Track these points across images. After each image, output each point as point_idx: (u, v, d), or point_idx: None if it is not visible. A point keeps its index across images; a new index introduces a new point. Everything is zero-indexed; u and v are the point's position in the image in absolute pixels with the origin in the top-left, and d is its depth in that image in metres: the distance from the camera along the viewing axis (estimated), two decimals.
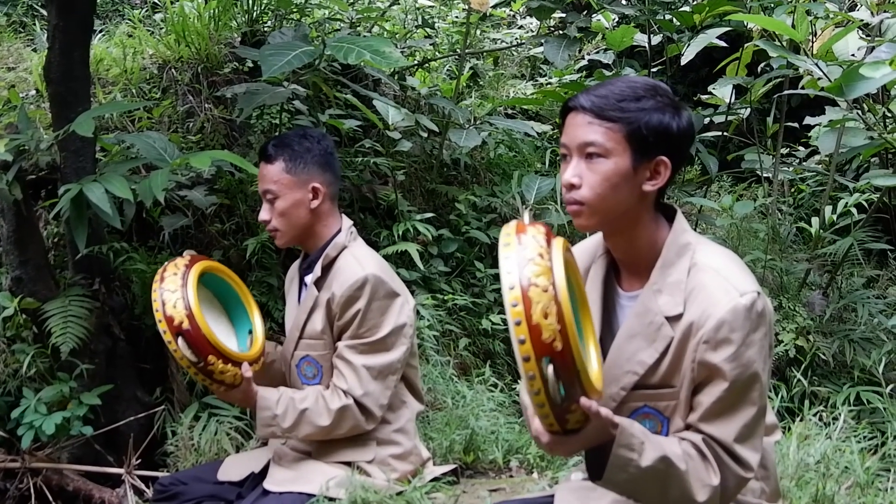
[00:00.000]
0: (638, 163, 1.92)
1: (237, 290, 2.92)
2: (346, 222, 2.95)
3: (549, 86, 6.97)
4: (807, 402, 3.82)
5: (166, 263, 2.72)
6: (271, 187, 2.83)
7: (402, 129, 5.00)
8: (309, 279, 2.91)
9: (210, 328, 2.62)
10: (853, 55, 5.04)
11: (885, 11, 5.21)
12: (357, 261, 2.85)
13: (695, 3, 5.04)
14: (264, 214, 2.87)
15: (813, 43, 4.84)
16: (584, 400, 1.73)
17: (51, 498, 3.72)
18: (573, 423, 1.78)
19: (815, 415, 3.55)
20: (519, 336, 1.66)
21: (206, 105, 4.66)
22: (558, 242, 1.78)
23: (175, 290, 2.61)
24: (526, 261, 1.69)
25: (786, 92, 5.22)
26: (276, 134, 4.46)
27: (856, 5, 5.80)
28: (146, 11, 6.26)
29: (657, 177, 1.95)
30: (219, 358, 2.64)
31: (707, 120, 5.46)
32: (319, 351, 2.88)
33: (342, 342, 2.83)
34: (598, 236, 2.15)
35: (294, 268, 3.08)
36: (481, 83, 6.96)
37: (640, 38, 5.26)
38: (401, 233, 4.58)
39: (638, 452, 1.84)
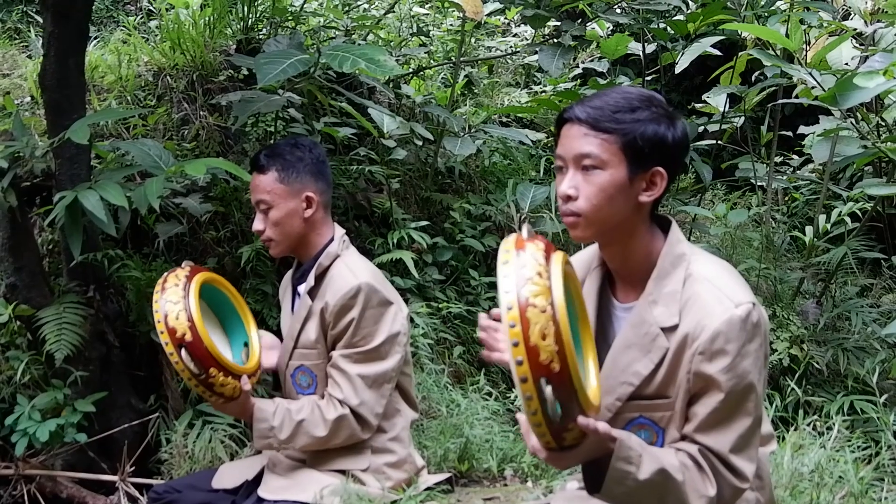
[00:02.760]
0: (634, 174, 1.93)
1: (234, 302, 2.90)
2: (339, 231, 2.94)
3: (543, 94, 6.97)
4: (801, 412, 3.81)
5: (166, 274, 2.69)
6: (265, 197, 2.83)
7: (396, 137, 5.01)
8: (302, 289, 2.90)
9: (212, 340, 2.61)
10: (847, 64, 5.06)
11: (878, 21, 5.23)
12: (350, 270, 2.84)
13: (689, 11, 5.05)
14: (258, 225, 2.85)
15: (807, 52, 4.86)
16: (581, 419, 1.73)
17: None
18: (570, 440, 1.77)
19: (809, 424, 3.55)
20: (516, 357, 1.64)
21: (201, 113, 4.67)
22: (558, 257, 1.77)
23: (177, 302, 2.59)
24: (524, 280, 1.68)
25: (780, 101, 5.23)
26: (271, 142, 4.46)
27: (849, 15, 5.82)
28: (141, 18, 6.26)
29: (653, 187, 1.96)
30: (220, 370, 2.62)
31: (701, 128, 5.47)
32: (314, 360, 2.87)
33: (336, 351, 2.82)
34: (594, 247, 2.15)
35: (287, 277, 3.07)
36: (476, 91, 6.98)
37: (635, 47, 5.27)
38: (395, 241, 4.58)
39: (636, 465, 1.83)
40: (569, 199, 1.95)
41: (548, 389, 1.65)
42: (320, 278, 2.86)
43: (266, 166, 2.84)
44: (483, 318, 2.03)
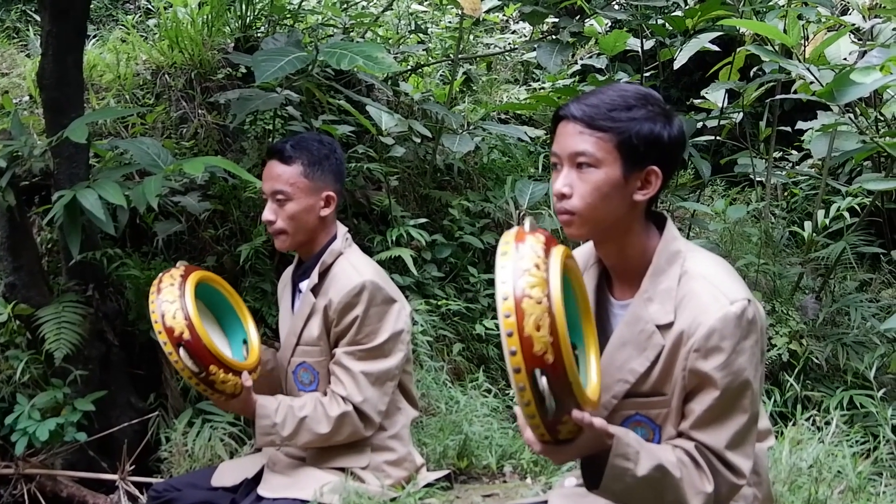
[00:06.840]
0: (629, 172, 1.92)
1: (230, 299, 2.89)
2: (342, 229, 2.93)
3: (542, 91, 6.97)
4: (799, 407, 3.82)
5: (161, 274, 2.69)
6: (285, 188, 2.79)
7: (395, 134, 5.00)
8: (305, 285, 2.89)
9: (210, 338, 2.61)
10: (845, 59, 5.06)
11: (876, 16, 5.23)
12: (354, 267, 2.84)
13: (687, 7, 5.05)
14: (270, 215, 2.82)
15: (805, 47, 4.86)
16: (576, 412, 1.73)
17: None
18: (565, 434, 1.77)
19: (807, 419, 3.56)
20: (510, 347, 1.65)
21: (200, 111, 4.67)
22: (558, 251, 1.76)
23: (173, 301, 2.58)
24: (521, 271, 1.68)
25: (778, 96, 5.23)
26: (271, 140, 4.47)
27: (847, 10, 5.83)
28: (139, 17, 6.26)
29: (648, 186, 1.95)
30: (220, 367, 2.61)
31: (700, 124, 5.47)
32: (316, 357, 2.87)
33: (340, 349, 2.82)
34: (590, 245, 2.15)
35: (287, 274, 3.06)
36: (474, 88, 6.97)
37: (633, 43, 5.27)
38: (394, 238, 4.58)
39: (634, 462, 1.84)
40: (563, 196, 1.95)
41: (542, 381, 1.66)
42: (323, 275, 2.86)
43: (292, 157, 2.80)
44: None
